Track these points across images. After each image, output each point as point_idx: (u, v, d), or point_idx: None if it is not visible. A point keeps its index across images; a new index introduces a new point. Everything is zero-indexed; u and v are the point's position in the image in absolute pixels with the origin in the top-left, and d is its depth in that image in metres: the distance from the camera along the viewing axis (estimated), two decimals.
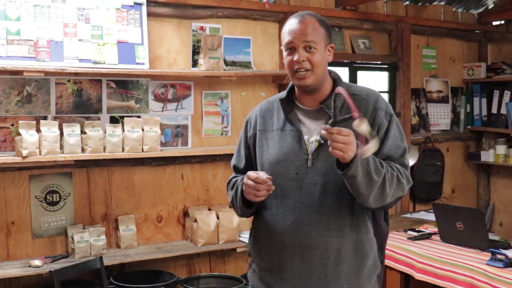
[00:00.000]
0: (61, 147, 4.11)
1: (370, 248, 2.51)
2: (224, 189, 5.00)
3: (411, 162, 5.19)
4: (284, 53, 2.53)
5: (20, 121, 4.02)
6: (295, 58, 2.45)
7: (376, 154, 2.41)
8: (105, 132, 4.26)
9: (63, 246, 4.40)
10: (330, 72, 2.60)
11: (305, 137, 2.49)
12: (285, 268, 2.49)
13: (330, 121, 2.20)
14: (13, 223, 4.23)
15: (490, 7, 6.70)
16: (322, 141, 2.43)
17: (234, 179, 2.69)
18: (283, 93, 2.63)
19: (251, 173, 2.42)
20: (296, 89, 2.60)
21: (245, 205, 2.57)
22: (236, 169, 2.76)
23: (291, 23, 2.50)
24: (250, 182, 2.40)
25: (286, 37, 2.50)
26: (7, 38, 4.01)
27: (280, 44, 5.15)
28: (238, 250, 4.79)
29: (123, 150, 4.31)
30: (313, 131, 2.49)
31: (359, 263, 2.48)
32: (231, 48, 5.00)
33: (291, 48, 2.48)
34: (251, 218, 2.72)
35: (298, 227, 2.44)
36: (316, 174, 2.43)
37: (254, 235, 2.66)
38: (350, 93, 2.50)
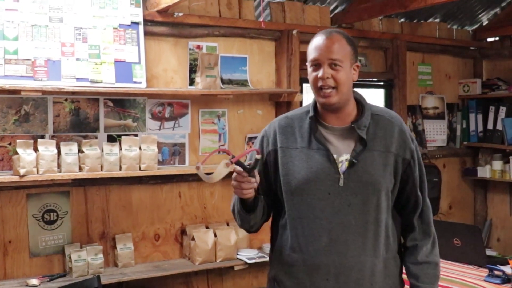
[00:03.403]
0: (59, 166, 4.12)
1: (397, 266, 2.53)
2: (221, 207, 5.02)
3: None
4: (309, 70, 2.47)
5: (17, 140, 4.02)
6: (320, 74, 2.40)
7: (408, 175, 2.52)
8: (102, 150, 4.27)
9: (61, 265, 4.39)
10: (353, 92, 2.55)
11: (334, 156, 2.44)
12: None
13: (247, 169, 2.29)
14: (10, 242, 4.22)
15: (484, 24, 6.76)
16: (354, 161, 2.41)
17: None
18: (305, 110, 2.57)
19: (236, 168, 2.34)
20: (318, 106, 2.53)
21: (243, 210, 2.48)
22: None
23: (318, 40, 2.45)
24: (233, 181, 2.34)
25: (311, 54, 2.45)
26: (5, 58, 4.03)
27: (276, 63, 5.26)
28: (236, 268, 4.77)
29: (120, 168, 4.32)
30: (341, 150, 2.45)
31: (389, 281, 2.49)
32: (227, 66, 5.03)
33: (316, 65, 2.43)
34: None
35: (333, 247, 2.40)
36: (349, 193, 2.40)
37: (279, 257, 2.57)
38: (373, 113, 2.51)
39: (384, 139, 2.47)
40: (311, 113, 2.52)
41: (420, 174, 2.56)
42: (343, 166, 2.43)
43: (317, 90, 2.44)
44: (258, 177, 2.34)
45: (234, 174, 2.32)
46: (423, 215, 2.56)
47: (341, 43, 2.44)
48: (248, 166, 2.29)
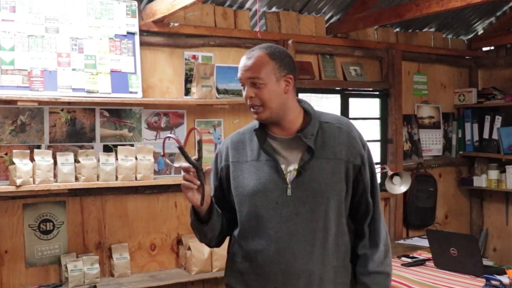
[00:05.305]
0: (55, 176, 4.12)
1: (348, 274, 2.54)
2: None
3: (404, 188, 5.20)
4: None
5: (14, 150, 4.03)
6: (244, 94, 2.47)
7: (359, 181, 2.52)
8: (98, 160, 4.27)
9: (57, 275, 4.38)
10: (300, 101, 2.58)
11: (282, 166, 2.47)
12: None
13: (195, 162, 2.35)
14: (7, 252, 4.22)
15: (479, 33, 6.78)
16: (302, 170, 2.43)
17: None
18: (255, 124, 2.59)
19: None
20: None
21: (197, 220, 2.55)
22: None
23: (241, 59, 2.49)
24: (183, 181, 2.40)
25: (238, 73, 2.51)
26: (1, 68, 4.03)
27: None
28: None
29: (116, 178, 4.32)
30: (290, 160, 2.48)
31: None
32: (223, 76, 5.03)
33: (242, 84, 2.48)
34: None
35: (281, 256, 2.42)
36: (297, 203, 2.42)
37: (232, 265, 2.61)
38: (322, 121, 2.52)
39: (333, 147, 2.48)
40: (256, 126, 2.56)
41: (372, 180, 2.57)
42: (291, 175, 2.46)
43: (248, 107, 2.49)
44: (208, 187, 2.43)
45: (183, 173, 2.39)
46: (374, 223, 2.56)
47: (262, 60, 2.43)
48: (194, 161, 2.35)
